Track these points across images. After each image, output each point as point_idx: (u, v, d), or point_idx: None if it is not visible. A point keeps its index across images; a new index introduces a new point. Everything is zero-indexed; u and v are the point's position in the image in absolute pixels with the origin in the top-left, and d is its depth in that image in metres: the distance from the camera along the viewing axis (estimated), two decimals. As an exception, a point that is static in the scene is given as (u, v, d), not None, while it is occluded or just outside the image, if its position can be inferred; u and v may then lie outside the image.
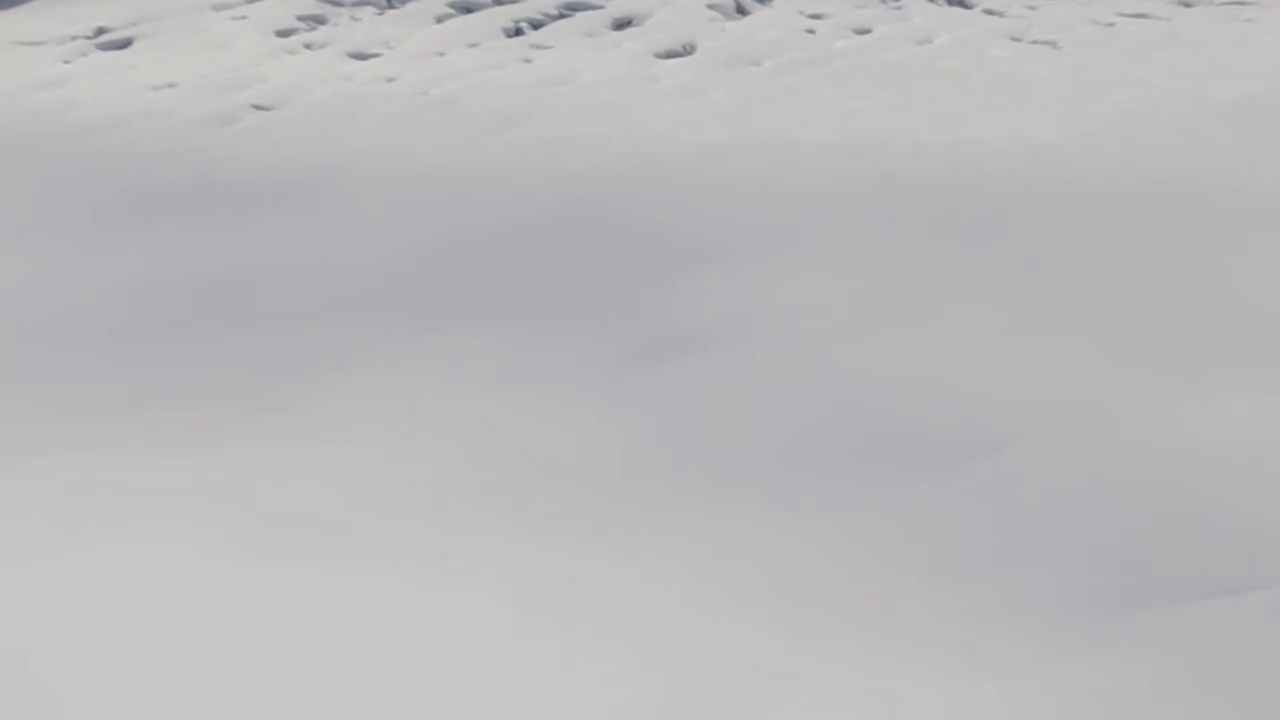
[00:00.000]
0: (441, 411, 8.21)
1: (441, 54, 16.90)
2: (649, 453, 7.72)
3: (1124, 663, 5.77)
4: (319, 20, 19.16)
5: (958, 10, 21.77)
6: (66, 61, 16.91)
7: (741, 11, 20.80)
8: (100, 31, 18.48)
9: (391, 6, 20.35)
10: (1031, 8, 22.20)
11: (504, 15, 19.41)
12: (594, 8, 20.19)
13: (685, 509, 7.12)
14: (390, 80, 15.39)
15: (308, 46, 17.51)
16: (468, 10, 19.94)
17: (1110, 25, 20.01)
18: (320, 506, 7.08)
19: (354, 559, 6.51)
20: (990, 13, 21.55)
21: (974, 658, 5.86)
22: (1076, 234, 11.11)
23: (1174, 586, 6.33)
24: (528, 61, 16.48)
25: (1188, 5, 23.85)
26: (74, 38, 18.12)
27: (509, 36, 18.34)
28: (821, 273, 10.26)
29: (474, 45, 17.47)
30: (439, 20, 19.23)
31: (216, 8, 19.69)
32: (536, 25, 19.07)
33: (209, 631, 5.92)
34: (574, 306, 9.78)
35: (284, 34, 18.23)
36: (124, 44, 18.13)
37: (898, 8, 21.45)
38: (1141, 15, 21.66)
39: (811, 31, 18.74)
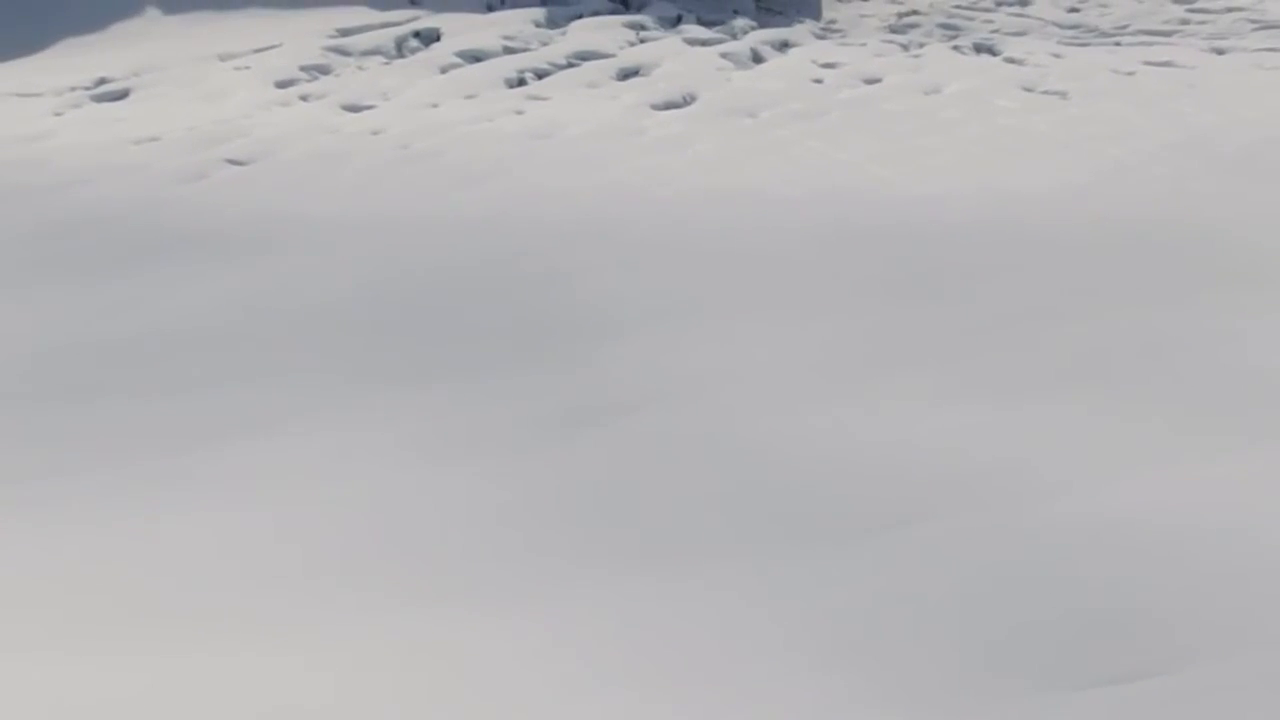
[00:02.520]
0: (346, 480, 7.98)
1: (435, 105, 16.68)
2: (554, 523, 7.49)
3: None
4: (323, 70, 19.01)
5: (979, 58, 21.48)
6: (58, 114, 16.77)
7: (757, 60, 20.55)
8: (100, 82, 18.35)
9: (401, 55, 20.19)
10: (1056, 55, 21.89)
11: (510, 65, 19.21)
12: (604, 56, 19.99)
13: (578, 581, 6.88)
14: (376, 133, 15.17)
15: (304, 98, 17.32)
16: (476, 59, 19.75)
17: (1130, 74, 19.66)
18: (194, 586, 6.85)
19: (208, 641, 6.26)
20: (1011, 61, 21.25)
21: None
22: (1043, 293, 10.79)
23: (1056, 675, 6.08)
24: (520, 113, 16.24)
25: (1220, 53, 23.51)
26: (72, 89, 17.99)
27: (510, 87, 18.12)
28: (766, 336, 9.97)
29: (471, 96, 17.24)
30: (443, 70, 19.04)
31: (223, 57, 19.56)
32: (541, 75, 18.86)
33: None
34: (508, 369, 9.53)
35: (283, 85, 18.07)
36: (120, 95, 17.98)
37: (916, 56, 21.17)
38: (1167, 64, 21.32)
39: (819, 81, 18.45)
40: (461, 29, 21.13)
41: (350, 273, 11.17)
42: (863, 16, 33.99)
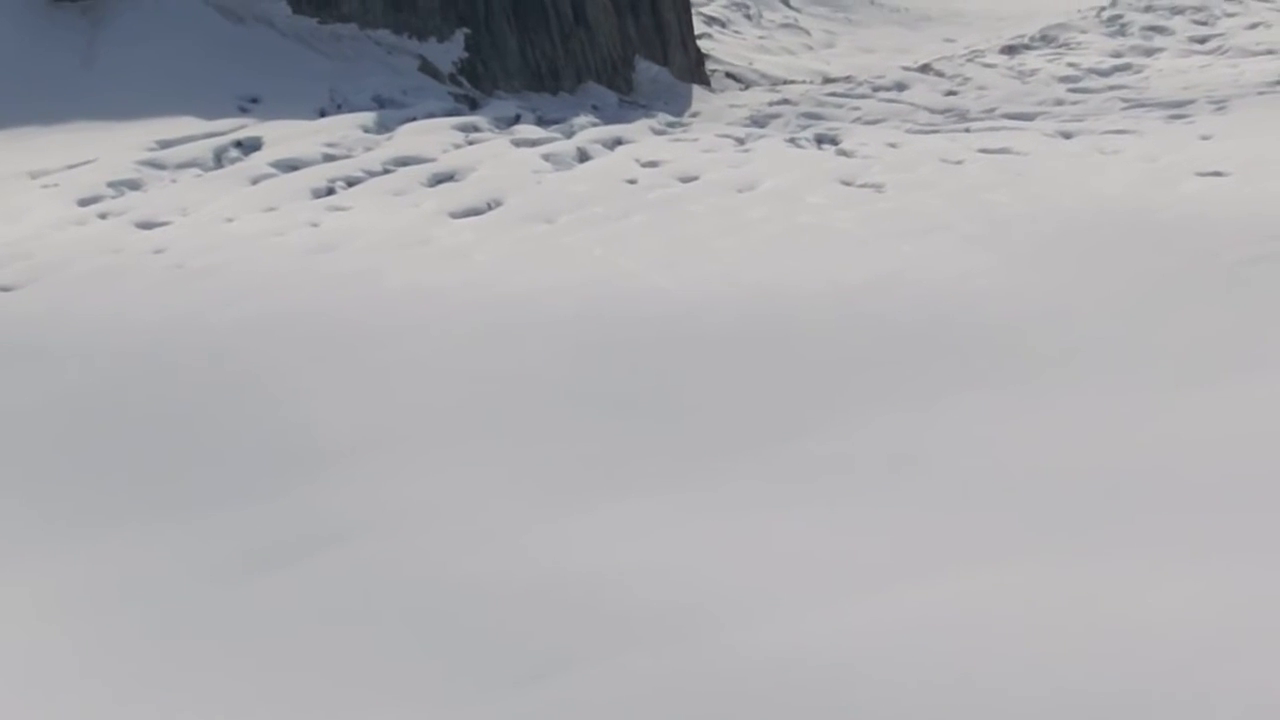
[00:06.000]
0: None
1: (230, 220, 16.23)
2: (200, 673, 7.07)
3: None
4: (134, 185, 18.55)
5: (813, 151, 21.19)
6: None
7: (583, 159, 20.20)
8: (-102, 206, 17.84)
9: (219, 166, 19.75)
10: (892, 145, 21.64)
11: (324, 174, 18.80)
12: (424, 161, 19.59)
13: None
14: (159, 252, 14.72)
15: (102, 216, 16.85)
16: (293, 168, 19.31)
17: (958, 164, 19.38)
18: None
19: None
20: (843, 153, 20.96)
21: None
22: (791, 403, 10.45)
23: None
24: (314, 225, 15.81)
25: (1068, 136, 23.30)
26: None
27: (317, 197, 17.69)
28: (489, 462, 9.58)
29: (271, 209, 16.80)
30: (254, 181, 18.61)
31: (34, 175, 19.09)
32: (353, 183, 18.44)
33: None
34: (211, 503, 9.16)
35: (86, 202, 17.58)
36: (-84, 219, 17.47)
37: (746, 150, 20.86)
38: (1003, 150, 21.08)
39: (633, 181, 18.09)
40: (286, 137, 20.73)
41: (73, 405, 10.74)
42: (732, 107, 33.75)
